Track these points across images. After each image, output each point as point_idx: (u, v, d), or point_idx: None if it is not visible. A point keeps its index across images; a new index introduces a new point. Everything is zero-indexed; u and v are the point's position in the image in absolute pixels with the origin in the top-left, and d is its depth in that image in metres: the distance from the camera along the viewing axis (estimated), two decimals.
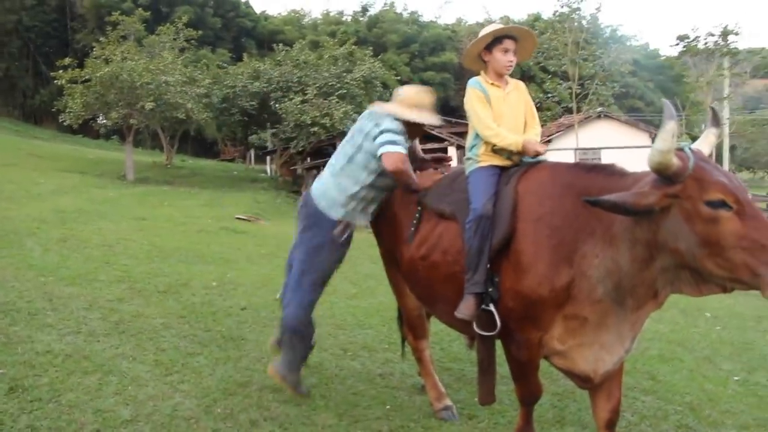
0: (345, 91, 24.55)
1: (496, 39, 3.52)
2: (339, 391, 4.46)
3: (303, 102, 23.33)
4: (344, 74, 25.50)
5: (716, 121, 2.96)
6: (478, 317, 3.26)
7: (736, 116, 28.61)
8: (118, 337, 5.18)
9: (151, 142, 40.90)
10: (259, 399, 4.21)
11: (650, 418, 4.37)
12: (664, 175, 2.55)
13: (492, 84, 3.57)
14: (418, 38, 48.69)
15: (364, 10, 53.80)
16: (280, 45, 29.10)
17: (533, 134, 3.56)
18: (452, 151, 26.58)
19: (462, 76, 48.60)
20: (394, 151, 3.74)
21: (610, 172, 2.99)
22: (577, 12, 17.80)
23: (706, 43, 26.26)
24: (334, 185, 4.03)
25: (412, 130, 3.99)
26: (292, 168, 27.48)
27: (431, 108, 4.01)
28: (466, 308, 3.30)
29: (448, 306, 3.49)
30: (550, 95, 18.93)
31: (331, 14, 55.24)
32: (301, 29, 52.34)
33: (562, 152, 26.15)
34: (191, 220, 13.84)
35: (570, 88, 17.95)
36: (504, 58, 3.53)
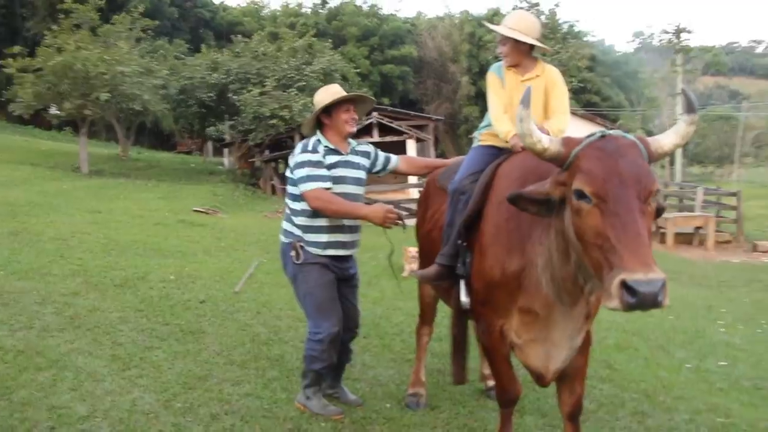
0: (304, 83, 24.32)
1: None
2: (300, 384, 4.43)
3: (262, 94, 23.05)
4: (304, 66, 25.29)
5: (690, 107, 2.60)
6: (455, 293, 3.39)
7: None
8: (73, 332, 5.08)
9: (106, 134, 39.96)
10: (219, 392, 4.17)
11: (607, 406, 4.45)
12: (545, 161, 2.55)
13: (510, 69, 3.57)
14: (378, 31, 48.44)
15: (324, 2, 53.11)
16: (239, 36, 28.75)
17: (554, 124, 3.42)
18: (411, 145, 26.62)
19: (421, 68, 48.65)
20: (310, 188, 3.74)
21: None
22: (536, 7, 17.85)
23: (660, 40, 26.75)
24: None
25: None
26: (251, 160, 27.17)
27: None
28: (423, 272, 3.57)
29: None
30: None
31: (291, 6, 54.51)
32: (260, 21, 51.64)
33: None
34: (148, 212, 13.60)
35: None
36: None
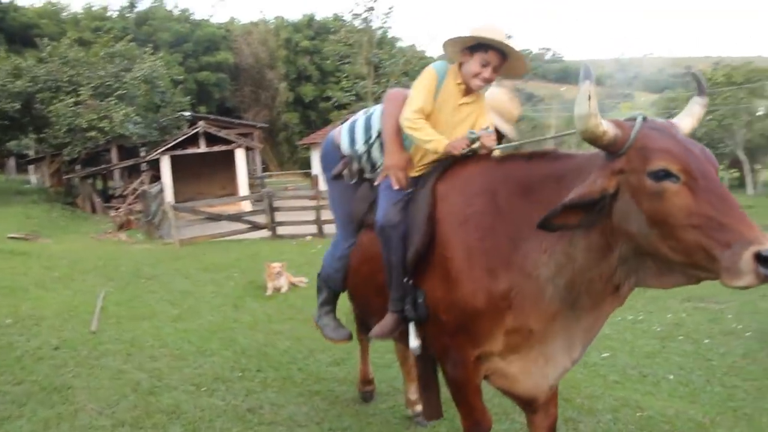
0: (124, 91, 22.68)
1: (482, 45, 2.99)
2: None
3: (76, 104, 21.17)
4: (123, 73, 23.57)
5: (701, 89, 2.51)
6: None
7: None
8: None
9: None
10: None
11: None
12: (600, 146, 2.27)
13: (457, 84, 3.09)
14: (191, 37, 46.62)
15: (132, 5, 50.13)
16: (46, 39, 26.13)
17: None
18: (240, 154, 25.89)
19: (238, 75, 47.49)
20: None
21: (555, 156, 2.65)
22: (372, 11, 17.84)
23: None
24: None
25: None
26: (66, 177, 24.85)
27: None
28: (380, 327, 3.13)
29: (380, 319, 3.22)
30: (349, 93, 18.84)
31: (94, 9, 50.88)
32: (60, 24, 47.65)
33: None
34: None
35: (366, 87, 18.11)
36: (479, 69, 3.01)
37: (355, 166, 3.46)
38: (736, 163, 38.41)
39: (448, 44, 3.07)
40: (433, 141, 2.95)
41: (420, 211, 2.91)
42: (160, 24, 46.32)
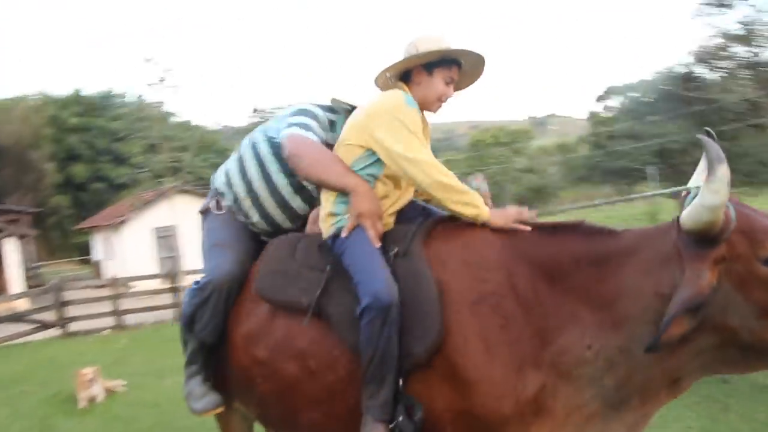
0: None
1: (445, 60, 2.53)
2: None
3: None
4: None
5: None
6: None
7: None
8: None
9: None
10: None
11: None
12: (707, 236, 1.92)
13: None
14: None
15: None
16: None
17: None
18: (12, 243, 23.14)
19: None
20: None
21: (588, 231, 2.25)
22: (163, 82, 16.77)
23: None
24: None
25: None
26: None
27: None
28: None
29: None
30: (142, 170, 17.42)
31: None
32: None
33: (139, 233, 24.65)
34: None
35: (161, 162, 16.86)
36: (445, 90, 2.55)
37: (227, 202, 3.05)
38: None
39: (400, 65, 2.54)
40: (482, 212, 2.36)
41: (419, 282, 2.29)
42: None
